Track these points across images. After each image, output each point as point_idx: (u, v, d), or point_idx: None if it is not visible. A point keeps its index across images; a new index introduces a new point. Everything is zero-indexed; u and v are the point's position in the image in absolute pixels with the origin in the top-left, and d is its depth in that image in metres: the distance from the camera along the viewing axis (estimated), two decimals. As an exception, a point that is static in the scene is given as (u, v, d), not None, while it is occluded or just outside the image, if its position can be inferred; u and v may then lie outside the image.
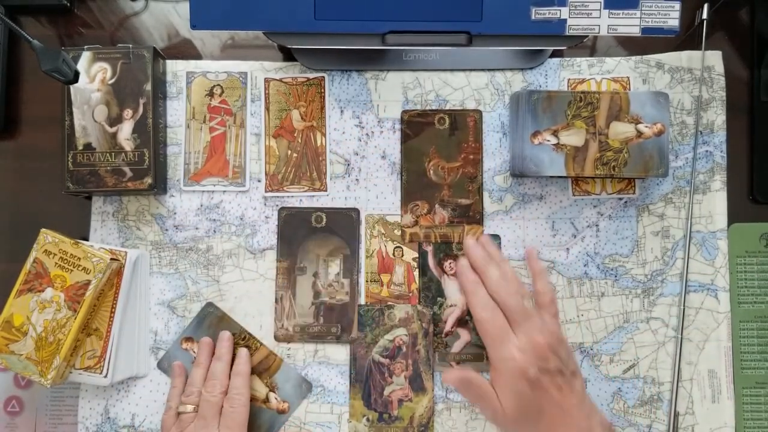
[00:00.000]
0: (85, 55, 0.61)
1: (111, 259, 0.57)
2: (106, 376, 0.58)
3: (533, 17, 0.56)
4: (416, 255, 0.64)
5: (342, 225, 0.64)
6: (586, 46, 0.67)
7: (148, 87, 0.61)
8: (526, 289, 0.57)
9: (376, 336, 0.63)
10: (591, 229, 0.64)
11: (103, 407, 0.62)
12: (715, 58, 0.65)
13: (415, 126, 0.65)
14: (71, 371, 0.58)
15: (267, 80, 0.65)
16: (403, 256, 0.64)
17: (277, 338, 0.63)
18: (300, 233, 0.64)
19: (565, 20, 0.56)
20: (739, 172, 0.66)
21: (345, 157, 0.65)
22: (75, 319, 0.55)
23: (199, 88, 0.65)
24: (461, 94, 0.65)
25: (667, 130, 0.60)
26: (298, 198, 0.64)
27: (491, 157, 0.65)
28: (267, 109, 0.65)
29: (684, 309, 0.63)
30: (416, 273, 0.64)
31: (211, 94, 0.65)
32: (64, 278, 0.56)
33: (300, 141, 0.65)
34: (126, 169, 0.61)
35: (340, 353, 0.63)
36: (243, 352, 0.61)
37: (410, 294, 0.63)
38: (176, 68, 0.65)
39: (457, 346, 0.63)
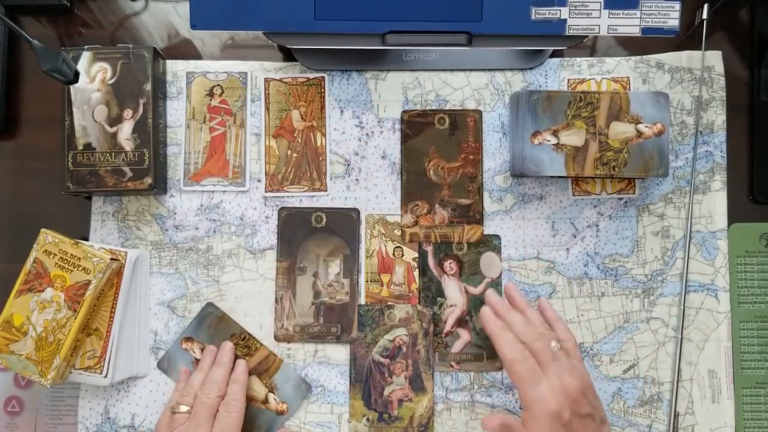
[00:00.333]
0: (85, 55, 0.61)
1: (111, 259, 0.57)
2: (106, 376, 0.58)
3: (533, 17, 0.56)
4: (416, 255, 0.64)
5: (342, 225, 0.64)
6: (586, 46, 0.67)
7: (148, 87, 0.61)
8: (552, 332, 0.56)
9: (376, 336, 0.63)
10: (591, 229, 0.64)
11: (103, 407, 0.62)
12: (715, 58, 0.65)
13: (415, 126, 0.65)
14: (71, 371, 0.58)
15: (267, 80, 0.65)
16: (403, 256, 0.64)
17: (277, 338, 0.63)
18: (300, 233, 0.64)
19: (565, 20, 0.56)
20: (739, 172, 0.66)
21: (345, 157, 0.65)
22: (75, 319, 0.55)
23: (199, 88, 0.65)
24: (461, 94, 0.65)
25: (667, 130, 0.60)
26: (298, 198, 0.64)
27: (491, 157, 0.65)
28: (267, 109, 0.65)
29: (684, 309, 0.63)
30: (416, 273, 0.64)
31: (211, 94, 0.65)
32: (64, 278, 0.56)
33: (300, 141, 0.65)
34: (126, 169, 0.61)
35: (340, 353, 0.63)
36: (242, 362, 0.61)
37: (410, 294, 0.63)
38: (176, 68, 0.65)
39: (457, 346, 0.63)
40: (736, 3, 0.67)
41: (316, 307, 0.63)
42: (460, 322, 0.63)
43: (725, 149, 0.64)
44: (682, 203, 0.64)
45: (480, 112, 0.65)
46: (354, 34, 0.57)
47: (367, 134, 0.65)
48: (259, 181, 0.64)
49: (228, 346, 0.61)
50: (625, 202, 0.64)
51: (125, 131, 0.61)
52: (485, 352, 0.63)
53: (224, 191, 0.64)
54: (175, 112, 0.65)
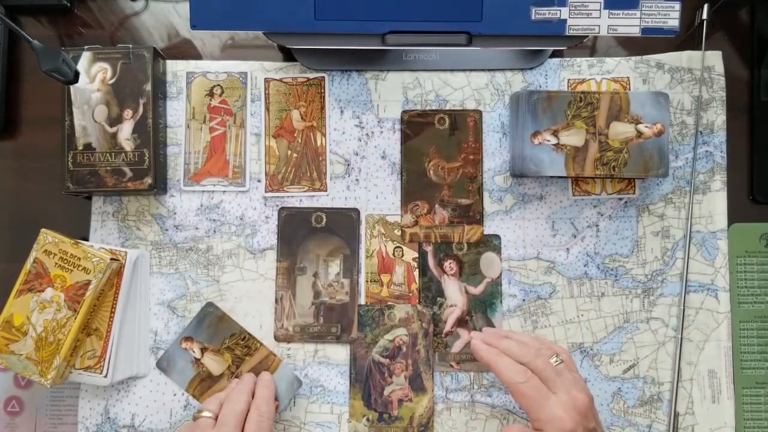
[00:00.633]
0: (85, 55, 0.61)
1: (111, 259, 0.57)
2: (106, 376, 0.58)
3: (533, 17, 0.56)
4: (416, 255, 0.64)
5: (342, 225, 0.64)
6: (586, 46, 0.67)
7: (148, 87, 0.61)
8: (548, 348, 0.55)
9: (376, 336, 0.63)
10: (591, 229, 0.64)
11: (103, 407, 0.62)
12: (715, 58, 0.65)
13: (415, 126, 0.65)
14: (71, 371, 0.58)
15: (267, 80, 0.65)
16: (403, 256, 0.64)
17: (277, 338, 0.63)
18: (300, 233, 0.64)
19: (565, 20, 0.56)
20: (739, 172, 0.66)
21: (345, 157, 0.65)
22: (75, 319, 0.55)
23: (199, 88, 0.65)
24: (461, 94, 0.65)
25: (667, 130, 0.60)
26: (298, 198, 0.64)
27: (491, 157, 0.65)
28: (267, 109, 0.65)
29: (684, 309, 0.63)
30: (416, 273, 0.64)
31: (211, 94, 0.65)
32: (64, 278, 0.56)
33: (300, 141, 0.65)
34: (126, 169, 0.61)
35: (340, 353, 0.63)
36: (267, 373, 0.61)
37: (410, 294, 0.63)
38: (176, 68, 0.65)
39: (457, 346, 0.63)
40: (736, 3, 0.67)
41: (316, 307, 0.63)
42: (460, 322, 0.63)
43: (725, 149, 0.64)
44: (682, 203, 0.64)
45: (480, 112, 0.65)
46: (354, 34, 0.57)
47: (367, 134, 0.65)
48: (259, 181, 0.64)
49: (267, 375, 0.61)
50: (625, 202, 0.64)
51: (125, 131, 0.61)
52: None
53: (224, 191, 0.64)
54: (175, 112, 0.65)
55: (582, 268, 0.64)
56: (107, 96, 0.61)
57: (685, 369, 0.63)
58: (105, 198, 0.64)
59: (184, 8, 0.67)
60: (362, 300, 0.63)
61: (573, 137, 0.60)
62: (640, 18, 0.56)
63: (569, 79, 0.65)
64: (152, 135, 0.61)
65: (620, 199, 0.64)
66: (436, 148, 0.65)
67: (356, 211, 0.64)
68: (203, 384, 0.62)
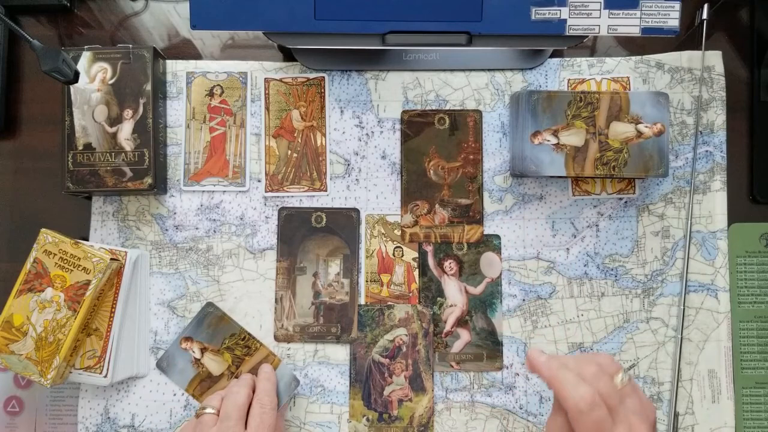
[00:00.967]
0: (85, 55, 0.61)
1: (111, 259, 0.57)
2: (106, 376, 0.58)
3: (533, 17, 0.56)
4: (416, 255, 0.64)
5: (342, 225, 0.64)
6: (586, 46, 0.67)
7: (148, 87, 0.61)
8: (612, 363, 0.50)
9: (376, 336, 0.63)
10: (591, 229, 0.64)
11: (103, 407, 0.62)
12: (715, 58, 0.65)
13: (415, 126, 0.65)
14: (71, 371, 0.58)
15: (267, 80, 0.65)
16: (403, 256, 0.64)
17: (277, 338, 0.63)
18: (300, 233, 0.64)
19: (565, 20, 0.56)
20: (739, 172, 0.66)
21: (345, 157, 0.65)
22: (75, 319, 0.55)
23: (199, 88, 0.65)
24: (461, 94, 0.65)
25: (667, 130, 0.60)
26: (298, 198, 0.64)
27: (491, 157, 0.65)
28: (267, 109, 0.65)
29: (684, 309, 0.63)
30: (416, 273, 0.64)
31: (211, 94, 0.65)
32: (64, 278, 0.56)
33: (300, 141, 0.65)
34: (126, 169, 0.61)
35: (340, 353, 0.63)
36: (267, 365, 0.61)
37: (410, 294, 0.63)
38: (176, 68, 0.65)
39: (457, 346, 0.63)
40: (736, 3, 0.67)
41: (316, 307, 0.63)
42: (460, 322, 0.63)
43: (725, 149, 0.64)
44: (682, 203, 0.64)
45: (480, 112, 0.65)
46: (354, 34, 0.57)
47: (367, 134, 0.65)
48: (259, 181, 0.64)
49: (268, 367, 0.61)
50: (625, 202, 0.64)
51: (125, 131, 0.61)
52: (485, 352, 0.63)
53: (224, 191, 0.64)
54: (175, 112, 0.65)
55: (582, 268, 0.64)
56: (107, 96, 0.61)
57: (685, 369, 0.63)
58: (105, 198, 0.64)
59: (184, 8, 0.67)
60: (362, 300, 0.63)
61: (573, 137, 0.60)
62: (640, 18, 0.56)
63: (569, 79, 0.65)
64: (152, 135, 0.61)
65: (620, 199, 0.64)
66: (436, 148, 0.65)
67: (356, 211, 0.64)
68: (203, 384, 0.62)
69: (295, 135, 0.65)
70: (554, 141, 0.60)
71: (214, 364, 0.62)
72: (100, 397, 0.62)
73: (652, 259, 0.64)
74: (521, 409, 0.62)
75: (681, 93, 0.65)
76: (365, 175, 0.65)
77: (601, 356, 0.50)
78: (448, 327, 0.63)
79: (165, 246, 0.64)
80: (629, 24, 0.56)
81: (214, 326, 0.62)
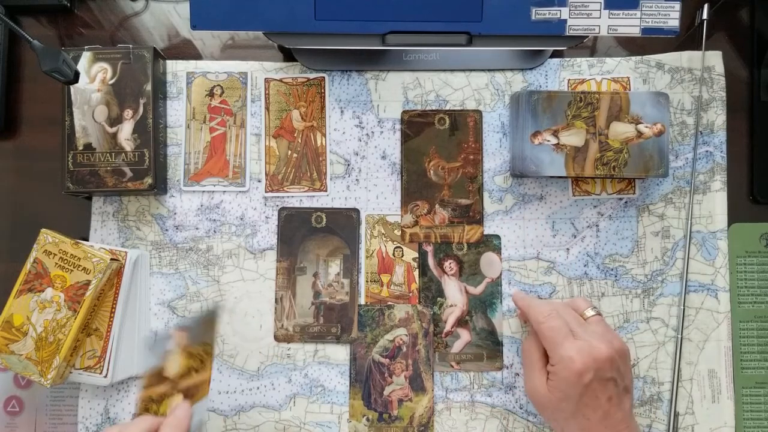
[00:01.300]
0: (85, 55, 0.61)
1: (111, 259, 0.57)
2: (106, 376, 0.58)
3: (533, 17, 0.56)
4: (416, 255, 0.64)
5: (342, 225, 0.64)
6: (586, 46, 0.67)
7: (149, 87, 0.61)
8: (587, 301, 0.59)
9: (376, 336, 0.63)
10: (591, 229, 0.64)
11: (103, 407, 0.62)
12: (715, 58, 0.65)
13: (415, 126, 0.65)
14: (71, 371, 0.58)
15: (267, 80, 0.65)
16: (403, 256, 0.64)
17: (277, 338, 0.63)
18: (300, 233, 0.64)
19: (565, 20, 0.56)
20: (739, 172, 0.66)
21: (345, 157, 0.65)
22: (75, 319, 0.55)
23: (200, 88, 0.65)
24: (461, 94, 0.65)
25: (667, 130, 0.60)
26: (298, 198, 0.64)
27: (491, 157, 0.65)
28: (267, 109, 0.65)
29: (684, 309, 0.63)
30: (416, 273, 0.64)
31: (211, 94, 0.65)
32: (64, 278, 0.56)
33: (300, 141, 0.65)
34: (126, 169, 0.61)
35: (340, 353, 0.63)
36: (183, 407, 0.52)
37: (410, 294, 0.63)
38: (176, 68, 0.65)
39: (457, 346, 0.63)
40: (736, 3, 0.67)
41: (316, 307, 0.63)
42: (460, 322, 0.63)
43: (725, 149, 0.64)
44: (682, 203, 0.64)
45: (480, 112, 0.65)
46: (354, 34, 0.57)
47: (367, 134, 0.65)
48: (259, 181, 0.64)
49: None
50: (625, 202, 0.64)
51: (125, 131, 0.61)
52: (485, 352, 0.63)
53: (224, 191, 0.64)
54: (175, 112, 0.65)
55: (582, 268, 0.64)
56: (107, 96, 0.61)
57: (685, 369, 0.63)
58: (105, 198, 0.64)
59: (184, 8, 0.67)
60: (362, 300, 0.63)
61: (573, 137, 0.60)
62: (640, 18, 0.56)
63: (569, 79, 0.65)
64: (152, 135, 0.61)
65: (620, 199, 0.64)
66: (436, 148, 0.65)
67: (356, 211, 0.64)
68: (153, 378, 0.55)
69: (295, 135, 0.65)
70: (554, 141, 0.60)
71: (174, 364, 0.56)
72: (100, 397, 0.62)
73: (652, 259, 0.64)
74: (521, 409, 0.62)
75: (681, 93, 0.65)
76: (365, 175, 0.65)
77: (578, 299, 0.59)
78: (448, 327, 0.63)
79: (165, 246, 0.64)
80: (629, 24, 0.56)
81: (205, 328, 0.59)
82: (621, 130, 0.60)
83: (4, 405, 0.63)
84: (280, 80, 0.65)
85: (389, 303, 0.63)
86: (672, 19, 0.56)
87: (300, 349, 0.63)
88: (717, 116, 0.65)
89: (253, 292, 0.63)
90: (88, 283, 0.56)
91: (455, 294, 0.63)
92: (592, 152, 0.60)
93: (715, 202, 0.64)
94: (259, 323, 0.63)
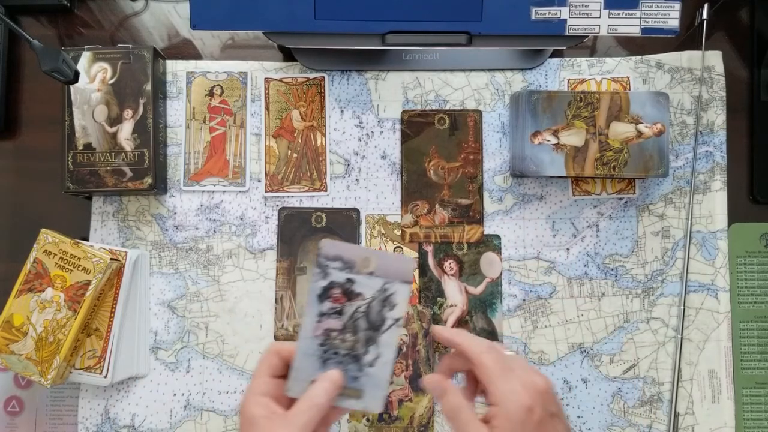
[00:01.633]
0: (85, 55, 0.61)
1: (111, 259, 0.57)
2: (106, 376, 0.58)
3: (533, 17, 0.56)
4: (416, 255, 0.64)
5: (342, 225, 0.64)
6: (586, 46, 0.67)
7: (148, 87, 0.61)
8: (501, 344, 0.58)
9: (376, 336, 0.63)
10: (591, 229, 0.64)
11: (103, 407, 0.62)
12: (715, 58, 0.65)
13: (415, 126, 0.65)
14: (71, 371, 0.58)
15: (267, 80, 0.65)
16: (403, 256, 0.64)
17: (277, 338, 0.63)
18: (300, 233, 0.64)
19: (565, 20, 0.56)
20: (739, 172, 0.66)
21: (345, 157, 0.65)
22: (75, 319, 0.55)
23: (199, 88, 0.65)
24: (461, 94, 0.65)
25: (667, 130, 0.60)
26: (298, 198, 0.64)
27: (491, 157, 0.65)
28: (267, 109, 0.65)
29: (684, 309, 0.63)
30: (416, 273, 0.64)
31: (211, 94, 0.65)
32: (64, 278, 0.56)
33: (300, 141, 0.65)
34: (126, 169, 0.61)
35: (340, 353, 0.63)
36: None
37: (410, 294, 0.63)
38: (176, 68, 0.65)
39: (457, 346, 0.63)
40: (736, 3, 0.67)
41: (316, 307, 0.63)
42: (461, 322, 0.63)
43: (725, 149, 0.64)
44: (682, 203, 0.64)
45: (480, 112, 0.65)
46: (354, 34, 0.57)
47: (367, 134, 0.65)
48: (259, 181, 0.64)
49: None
50: (625, 202, 0.64)
51: (125, 131, 0.61)
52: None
53: (224, 191, 0.64)
54: (175, 112, 0.65)
55: (582, 268, 0.64)
56: (107, 96, 0.61)
57: (685, 369, 0.63)
58: (105, 198, 0.64)
59: (184, 8, 0.67)
60: (362, 300, 0.63)
61: (573, 137, 0.60)
62: (640, 18, 0.56)
63: (569, 79, 0.65)
64: (152, 135, 0.61)
65: (620, 199, 0.64)
66: (436, 148, 0.65)
67: (356, 211, 0.64)
68: None
69: (295, 135, 0.65)
70: (554, 141, 0.60)
71: None
72: (100, 397, 0.62)
73: (652, 259, 0.64)
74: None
75: (681, 93, 0.65)
76: (365, 175, 0.65)
77: (494, 343, 0.52)
78: (448, 327, 0.63)
79: (165, 246, 0.64)
80: (629, 24, 0.56)
81: None
82: (621, 129, 0.60)
83: (4, 405, 0.63)
84: (280, 80, 0.65)
85: (389, 303, 0.63)
86: (672, 18, 0.56)
87: (300, 349, 0.63)
88: (717, 116, 0.65)
89: (253, 292, 0.63)
90: (88, 283, 0.56)
91: (455, 294, 0.63)
92: (592, 152, 0.60)
93: (715, 202, 0.64)
94: (259, 323, 0.63)
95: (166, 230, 0.64)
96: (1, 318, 0.55)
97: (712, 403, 0.62)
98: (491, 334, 0.63)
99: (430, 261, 0.64)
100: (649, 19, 0.56)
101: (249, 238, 0.64)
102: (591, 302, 0.63)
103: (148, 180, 0.61)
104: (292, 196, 0.64)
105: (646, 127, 0.60)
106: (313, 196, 0.64)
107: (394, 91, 0.65)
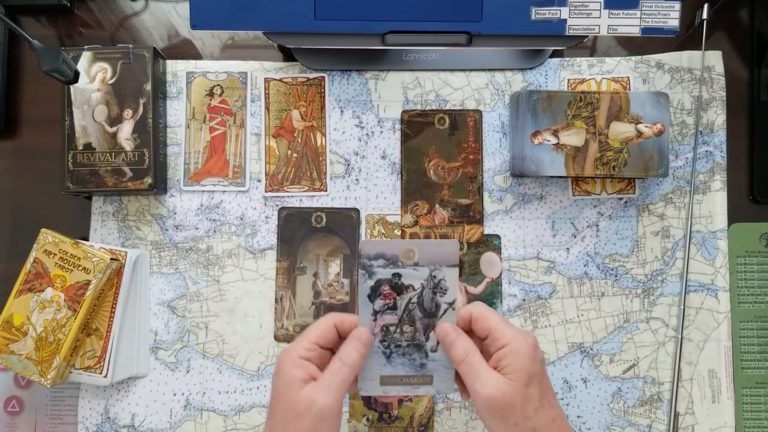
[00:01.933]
0: (85, 55, 0.61)
1: (111, 259, 0.57)
2: (106, 376, 0.58)
3: (533, 17, 0.56)
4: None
5: (342, 225, 0.64)
6: (586, 46, 0.67)
7: (148, 87, 0.61)
8: None
9: (376, 336, 0.63)
10: (591, 229, 0.64)
11: (103, 407, 0.62)
12: (715, 58, 0.65)
13: (415, 126, 0.65)
14: (71, 371, 0.58)
15: (267, 80, 0.65)
16: (403, 256, 0.64)
17: (277, 338, 0.63)
18: (300, 233, 0.64)
19: (565, 20, 0.56)
20: (739, 172, 0.66)
21: (345, 157, 0.65)
22: (75, 319, 0.55)
23: (199, 88, 0.65)
24: (461, 94, 0.65)
25: (667, 130, 0.60)
26: (298, 198, 0.64)
27: (491, 157, 0.65)
28: (267, 109, 0.65)
29: (684, 309, 0.63)
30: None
31: (211, 94, 0.65)
32: (64, 278, 0.56)
33: (300, 141, 0.65)
34: (126, 169, 0.61)
35: (340, 353, 0.63)
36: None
37: (410, 294, 0.63)
38: (176, 68, 0.65)
39: (457, 346, 0.63)
40: (736, 3, 0.67)
41: (316, 307, 0.63)
42: (460, 322, 0.63)
43: (725, 149, 0.64)
44: (682, 203, 0.64)
45: (480, 112, 0.65)
46: (354, 34, 0.57)
47: (367, 134, 0.65)
48: (259, 181, 0.64)
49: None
50: (625, 202, 0.64)
51: (125, 131, 0.61)
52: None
53: (224, 191, 0.64)
54: (175, 112, 0.65)
55: (582, 268, 0.64)
56: (107, 96, 0.61)
57: (685, 369, 0.63)
58: (105, 198, 0.64)
59: (184, 8, 0.67)
60: (362, 300, 0.63)
61: (573, 137, 0.60)
62: (640, 18, 0.56)
63: (569, 79, 0.65)
64: (152, 135, 0.61)
65: (620, 199, 0.64)
66: (436, 148, 0.65)
67: (356, 211, 0.64)
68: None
69: (295, 135, 0.65)
70: (554, 141, 0.60)
71: None
72: (100, 397, 0.62)
73: (652, 259, 0.64)
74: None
75: (681, 93, 0.65)
76: (365, 175, 0.65)
77: None
78: (448, 327, 0.63)
79: (165, 246, 0.64)
80: (629, 24, 0.56)
81: None
82: (621, 129, 0.60)
83: (4, 405, 0.63)
84: (280, 80, 0.65)
85: (389, 303, 0.63)
86: (672, 18, 0.56)
87: (300, 349, 0.63)
88: (717, 116, 0.65)
89: (253, 292, 0.63)
90: (88, 282, 0.56)
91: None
92: (592, 152, 0.60)
93: (715, 202, 0.64)
94: (259, 323, 0.63)
95: (166, 230, 0.64)
96: (1, 318, 0.56)
97: (712, 403, 0.62)
98: (491, 334, 0.63)
99: (430, 261, 0.64)
100: (649, 19, 0.56)
101: (249, 238, 0.64)
102: (591, 302, 0.63)
103: (148, 180, 0.61)
104: (292, 196, 0.64)
105: (646, 127, 0.60)
106: (313, 196, 0.64)
107: (394, 91, 0.65)
